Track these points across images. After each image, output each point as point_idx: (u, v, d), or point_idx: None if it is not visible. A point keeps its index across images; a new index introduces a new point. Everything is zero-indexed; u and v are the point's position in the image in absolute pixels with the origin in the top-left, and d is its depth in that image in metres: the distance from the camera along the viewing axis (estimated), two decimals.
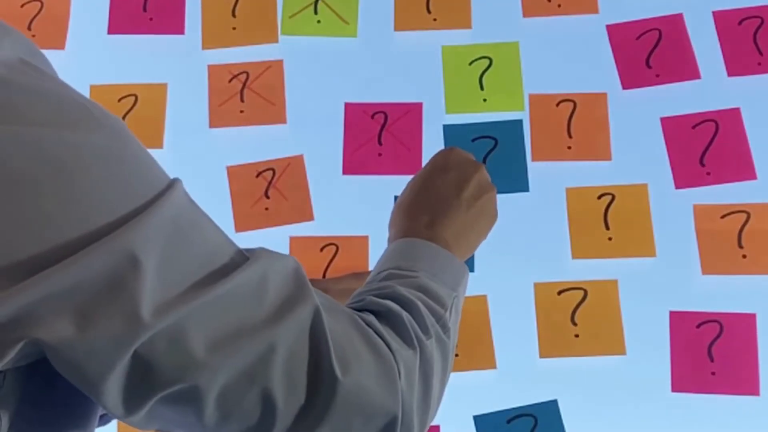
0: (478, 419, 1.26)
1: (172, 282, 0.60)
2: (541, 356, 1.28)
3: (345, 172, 1.39)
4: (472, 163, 0.97)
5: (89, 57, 1.51)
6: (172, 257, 0.60)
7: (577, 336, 1.28)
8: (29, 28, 1.50)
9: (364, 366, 0.68)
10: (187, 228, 0.63)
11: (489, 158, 1.37)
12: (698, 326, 1.28)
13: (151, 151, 1.42)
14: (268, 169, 1.40)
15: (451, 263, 0.86)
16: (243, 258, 0.66)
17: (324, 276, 1.32)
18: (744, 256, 1.30)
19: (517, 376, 1.29)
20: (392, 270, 0.83)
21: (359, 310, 0.74)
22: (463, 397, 1.27)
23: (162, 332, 0.58)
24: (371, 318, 0.72)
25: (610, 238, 1.33)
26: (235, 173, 1.39)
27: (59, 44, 1.49)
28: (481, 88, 1.42)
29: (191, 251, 0.62)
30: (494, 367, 1.28)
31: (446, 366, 0.80)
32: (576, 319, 1.29)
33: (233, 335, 0.61)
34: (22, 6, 1.51)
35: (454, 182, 0.94)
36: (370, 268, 1.32)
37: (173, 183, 0.64)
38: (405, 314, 0.75)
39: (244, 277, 0.64)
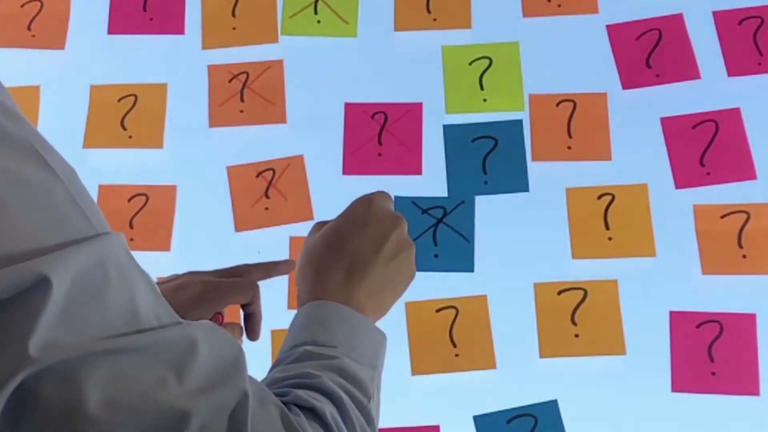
0: (478, 419, 1.25)
1: (78, 325, 0.56)
2: (541, 356, 1.28)
3: (345, 172, 1.39)
4: (392, 217, 0.92)
5: (89, 57, 1.51)
6: (87, 300, 0.57)
7: (577, 336, 1.28)
8: (29, 28, 1.50)
9: None
10: (114, 277, 0.59)
11: (489, 158, 1.37)
12: (698, 326, 1.28)
13: (151, 151, 1.44)
14: (268, 169, 1.40)
15: (369, 333, 0.83)
16: (175, 323, 0.62)
17: None
18: (744, 256, 1.30)
19: (517, 376, 1.29)
20: (309, 347, 0.79)
21: (285, 404, 0.70)
22: (463, 397, 1.28)
23: (51, 370, 0.55)
24: (301, 419, 0.69)
25: (610, 238, 1.33)
26: (235, 173, 1.39)
27: (59, 44, 1.49)
28: (481, 88, 1.42)
29: (110, 301, 0.58)
30: (494, 367, 1.28)
31: None
32: (576, 319, 1.29)
33: (139, 396, 0.57)
34: (22, 6, 1.51)
35: (373, 238, 0.88)
36: None
37: (113, 234, 0.61)
38: (330, 413, 0.71)
39: (168, 336, 0.60)
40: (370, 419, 0.77)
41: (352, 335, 0.82)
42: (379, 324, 0.87)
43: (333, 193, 1.38)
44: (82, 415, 0.56)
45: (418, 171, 1.38)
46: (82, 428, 0.56)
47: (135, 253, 0.62)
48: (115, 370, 0.57)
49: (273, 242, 1.35)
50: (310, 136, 1.43)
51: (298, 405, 0.71)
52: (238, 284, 0.98)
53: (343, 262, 0.87)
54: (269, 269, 1.04)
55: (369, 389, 0.79)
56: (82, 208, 0.61)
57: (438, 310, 1.31)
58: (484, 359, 1.29)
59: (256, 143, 1.42)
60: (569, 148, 1.38)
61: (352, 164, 1.39)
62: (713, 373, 1.26)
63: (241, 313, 1.01)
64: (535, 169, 1.37)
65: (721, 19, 1.44)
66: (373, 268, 0.87)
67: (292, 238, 1.35)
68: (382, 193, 0.93)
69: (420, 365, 1.28)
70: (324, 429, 0.70)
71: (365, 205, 0.91)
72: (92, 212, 0.62)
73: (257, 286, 1.00)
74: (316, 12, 1.48)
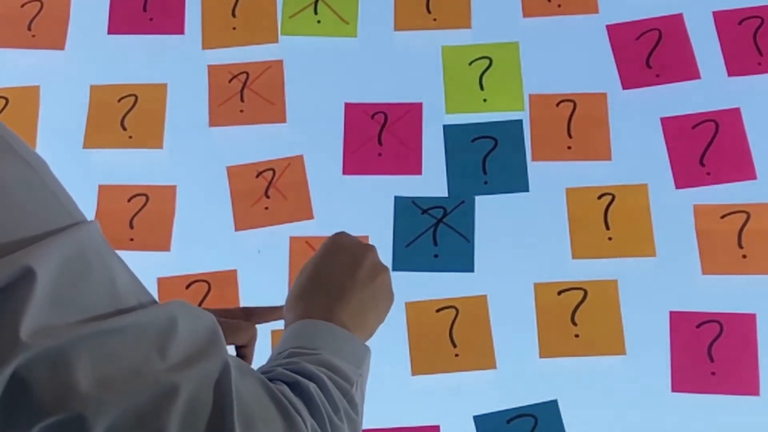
0: (478, 419, 1.26)
1: (65, 309, 0.59)
2: (541, 356, 1.28)
3: (345, 172, 1.39)
4: (362, 245, 0.96)
5: (89, 57, 1.51)
6: (71, 286, 0.59)
7: (577, 336, 1.28)
8: (29, 28, 1.50)
9: (272, 431, 0.66)
10: (95, 263, 0.61)
11: (489, 158, 1.38)
12: (698, 326, 1.28)
13: (151, 151, 1.44)
14: (268, 169, 1.40)
15: (352, 342, 0.86)
16: (154, 302, 0.65)
17: None
18: (744, 256, 1.30)
19: (517, 376, 1.29)
20: (293, 349, 0.82)
21: (270, 380, 0.72)
22: (463, 397, 1.28)
23: (42, 355, 0.57)
24: (284, 387, 0.71)
25: (610, 238, 1.33)
26: (235, 173, 1.39)
27: (59, 44, 1.49)
28: (481, 88, 1.42)
29: (94, 286, 0.61)
30: (494, 367, 1.28)
31: None
32: (576, 319, 1.29)
33: (127, 373, 0.59)
34: (22, 6, 1.51)
35: (347, 265, 0.92)
36: None
37: (89, 222, 0.63)
38: (314, 388, 0.73)
39: (149, 316, 0.62)
40: (354, 404, 0.79)
41: (336, 342, 0.84)
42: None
43: (333, 193, 1.39)
44: (75, 395, 0.58)
45: (418, 171, 1.38)
46: (77, 407, 0.58)
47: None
48: (103, 350, 0.59)
49: (273, 242, 1.35)
50: (310, 136, 1.43)
51: (281, 380, 0.73)
52: (235, 326, 1.00)
53: (323, 288, 0.90)
54: (269, 314, 1.06)
55: (351, 378, 0.80)
56: (59, 199, 0.63)
57: (438, 310, 1.31)
58: (484, 359, 1.29)
59: (256, 143, 1.42)
60: (569, 148, 1.38)
61: (352, 164, 1.39)
62: (713, 373, 1.26)
63: (234, 353, 1.03)
64: (535, 169, 1.37)
65: (721, 19, 1.44)
66: (350, 292, 0.90)
67: (292, 238, 1.35)
68: (345, 232, 0.97)
69: (420, 365, 1.29)
70: (306, 399, 0.72)
71: (335, 238, 0.96)
72: (68, 201, 0.64)
73: (255, 330, 1.02)
74: (316, 12, 1.48)
